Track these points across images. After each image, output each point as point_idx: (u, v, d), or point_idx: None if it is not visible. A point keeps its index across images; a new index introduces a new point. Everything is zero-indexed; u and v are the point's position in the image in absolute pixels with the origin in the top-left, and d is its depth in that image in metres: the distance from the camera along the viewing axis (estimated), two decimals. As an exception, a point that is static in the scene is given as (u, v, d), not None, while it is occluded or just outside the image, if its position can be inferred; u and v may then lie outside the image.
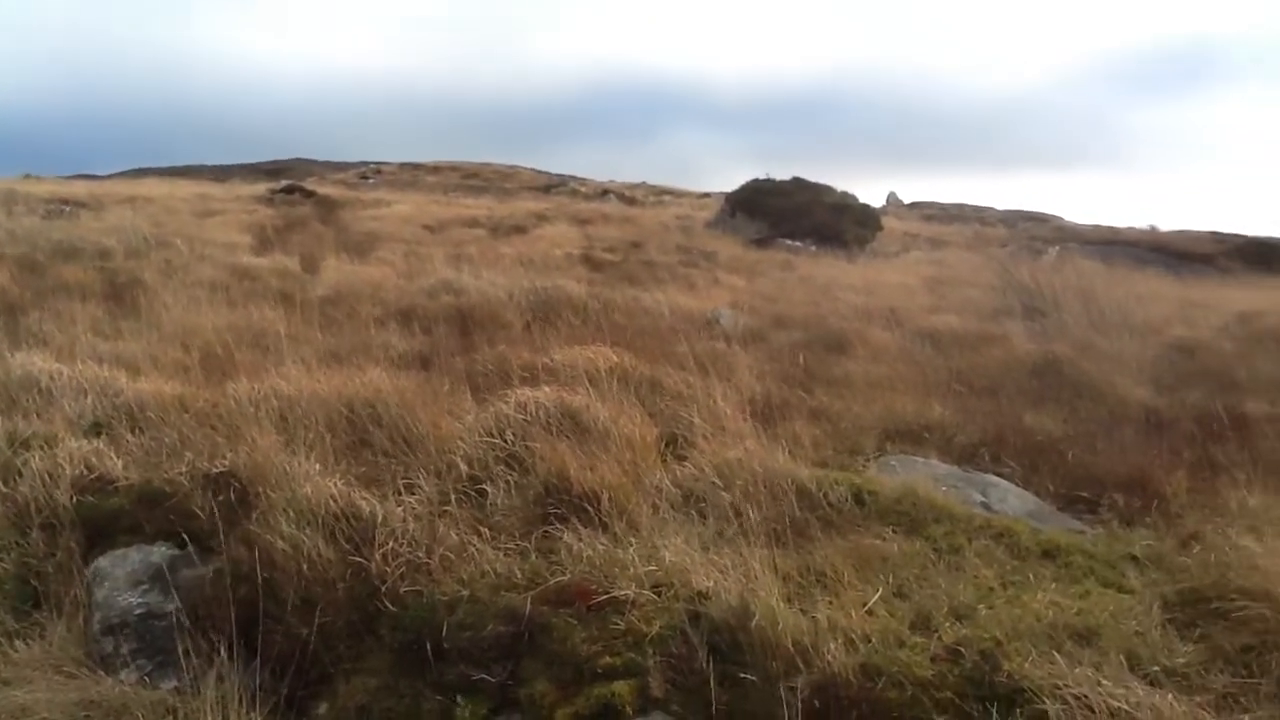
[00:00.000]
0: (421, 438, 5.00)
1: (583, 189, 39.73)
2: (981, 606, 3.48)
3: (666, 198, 39.31)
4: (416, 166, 44.85)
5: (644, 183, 44.76)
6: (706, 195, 38.25)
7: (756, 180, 25.85)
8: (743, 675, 3.09)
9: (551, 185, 41.40)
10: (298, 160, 47.58)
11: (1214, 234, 24.43)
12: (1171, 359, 7.90)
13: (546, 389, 5.30)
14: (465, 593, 3.63)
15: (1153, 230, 26.25)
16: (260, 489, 4.32)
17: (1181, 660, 3.20)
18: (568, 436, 4.78)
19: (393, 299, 10.43)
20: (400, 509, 4.14)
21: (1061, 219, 36.33)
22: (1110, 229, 27.38)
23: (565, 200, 32.76)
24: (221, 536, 4.04)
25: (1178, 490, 4.68)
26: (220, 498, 4.31)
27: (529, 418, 4.97)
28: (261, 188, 27.70)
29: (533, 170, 47.16)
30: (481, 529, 4.10)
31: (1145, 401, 6.33)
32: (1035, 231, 29.14)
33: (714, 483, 4.42)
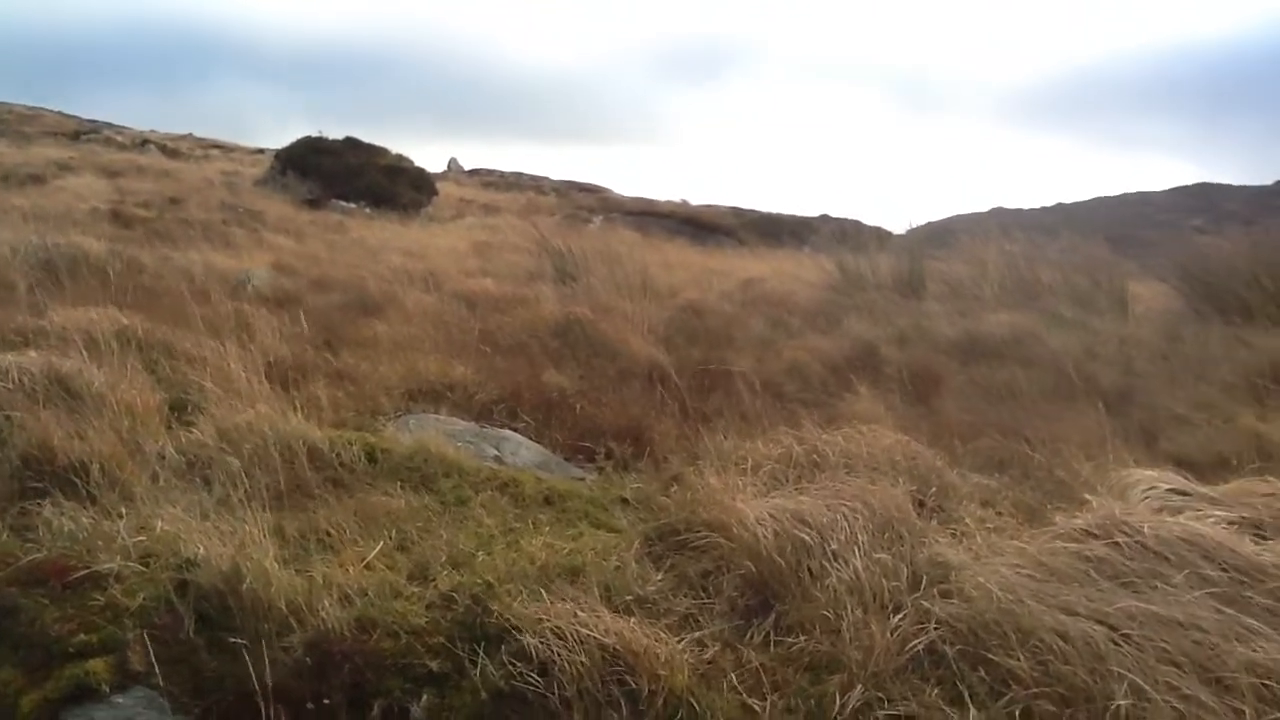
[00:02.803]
0: None
1: (119, 138, 36.13)
2: (480, 554, 3.65)
3: (215, 152, 36.77)
4: (-96, 102, 38.59)
5: (190, 135, 41.53)
6: (260, 152, 36.21)
7: (309, 138, 25.03)
8: (233, 640, 3.03)
9: (82, 132, 37.21)
10: None
11: (734, 209, 27.02)
12: (682, 320, 8.68)
13: (34, 354, 4.85)
14: (-87, 583, 3.26)
15: (684, 204, 28.56)
16: None
17: (652, 589, 3.54)
18: (57, 404, 4.41)
19: None
20: None
21: (609, 190, 38.30)
22: (648, 201, 29.40)
23: (97, 149, 29.67)
24: None
25: (665, 437, 5.19)
26: None
27: (11, 385, 4.52)
28: None
29: (59, 114, 42.13)
30: (-58, 511, 3.69)
31: (652, 358, 6.91)
32: (583, 201, 30.61)
33: (221, 448, 4.27)
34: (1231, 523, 3.61)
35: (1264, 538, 3.54)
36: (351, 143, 24.29)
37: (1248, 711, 2.76)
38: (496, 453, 4.91)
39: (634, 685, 2.91)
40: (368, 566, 3.45)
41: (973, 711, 2.86)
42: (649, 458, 4.98)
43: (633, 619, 3.21)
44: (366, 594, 3.27)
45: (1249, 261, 8.79)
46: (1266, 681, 2.84)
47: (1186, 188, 58.97)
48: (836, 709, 2.92)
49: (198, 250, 11.79)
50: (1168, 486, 3.93)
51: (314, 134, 24.85)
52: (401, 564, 3.53)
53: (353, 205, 22.04)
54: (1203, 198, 54.37)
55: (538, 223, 19.47)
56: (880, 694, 2.97)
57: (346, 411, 5.28)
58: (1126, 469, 4.19)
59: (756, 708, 2.95)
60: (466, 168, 43.89)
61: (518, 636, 3.05)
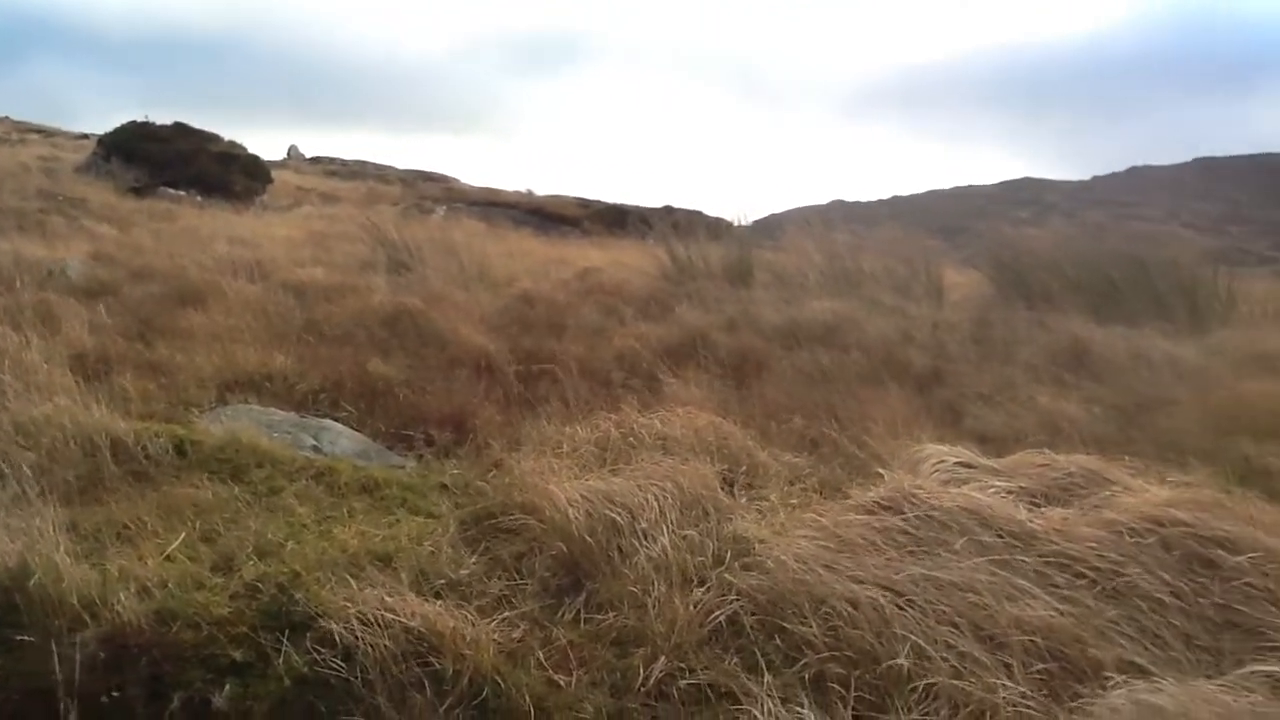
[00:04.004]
0: None
1: (-80, 119, 33.90)
2: (290, 543, 3.62)
3: (34, 136, 34.72)
4: None
5: (7, 118, 39.17)
6: (85, 137, 34.34)
7: (136, 123, 23.92)
8: (20, 637, 2.95)
9: (-121, 113, 34.77)
10: None
11: (580, 200, 27.01)
12: (516, 309, 8.69)
13: None
14: None
15: (530, 194, 28.41)
16: None
17: (466, 572, 3.58)
18: None
19: None
20: None
21: (456, 180, 37.74)
22: (494, 191, 29.15)
23: (-104, 132, 27.78)
24: None
25: (489, 424, 5.21)
26: None
27: None
28: None
29: None
30: None
31: (482, 347, 6.91)
32: (429, 191, 30.14)
33: (17, 442, 4.10)
34: (1010, 492, 3.86)
35: (1037, 505, 3.80)
36: (181, 128, 23.34)
37: (1015, 664, 2.97)
38: (315, 442, 4.85)
39: (438, 666, 2.95)
40: (169, 559, 3.39)
41: (768, 678, 2.98)
42: (471, 444, 5.00)
43: (441, 602, 3.24)
44: (166, 586, 3.21)
45: (1053, 250, 9.36)
46: (1033, 637, 3.07)
47: (1013, 181, 62.12)
48: (640, 681, 3.02)
49: (8, 240, 11.21)
50: (956, 460, 4.17)
51: (141, 119, 23.78)
52: (205, 555, 3.47)
53: (183, 193, 21.19)
54: (1028, 190, 57.31)
55: (377, 212, 19.11)
56: (682, 664, 3.07)
57: (158, 404, 5.13)
58: (920, 444, 4.42)
59: (562, 683, 3.03)
60: (308, 155, 42.65)
61: (323, 623, 3.05)
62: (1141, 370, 6.75)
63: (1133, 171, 65.44)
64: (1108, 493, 3.84)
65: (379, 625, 3.00)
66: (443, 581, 3.48)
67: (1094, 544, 3.42)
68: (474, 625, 3.14)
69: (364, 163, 43.28)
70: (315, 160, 41.94)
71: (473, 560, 3.67)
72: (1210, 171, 61.04)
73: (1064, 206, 47.23)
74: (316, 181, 32.56)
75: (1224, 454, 4.83)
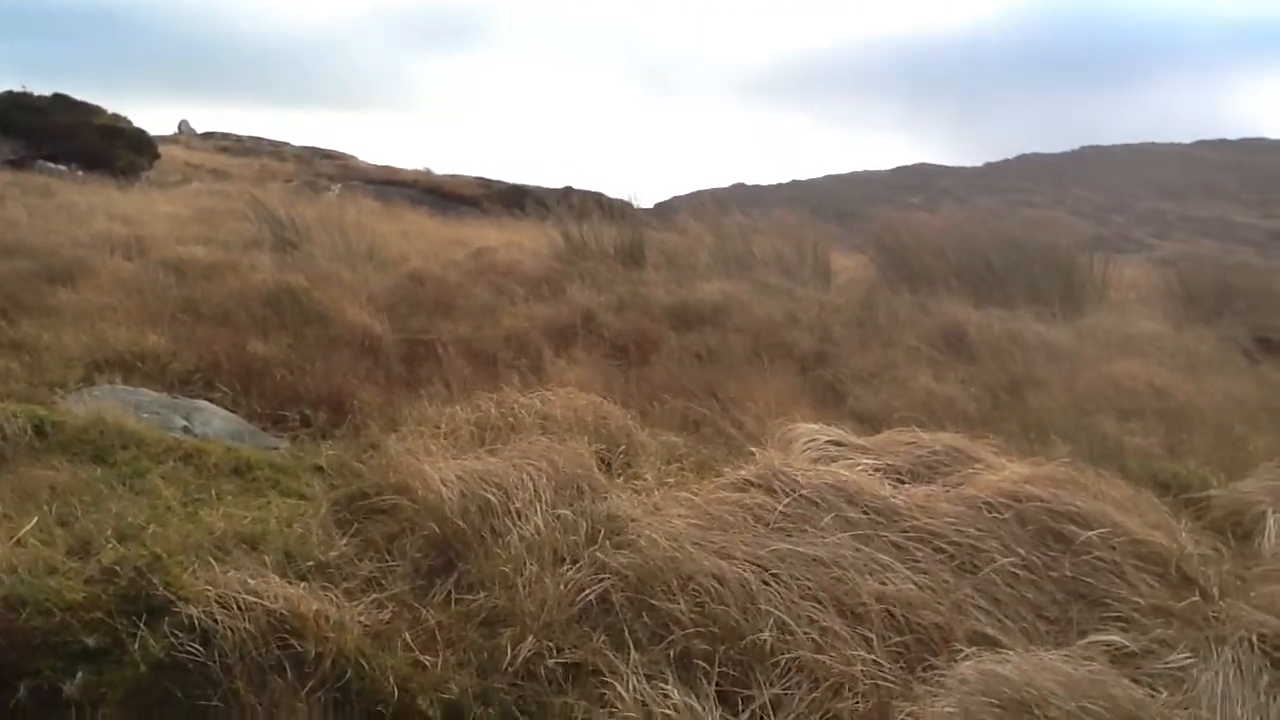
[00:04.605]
0: None
1: None
2: (152, 526, 3.52)
3: (-102, 106, 33.09)
4: None
5: None
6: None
7: (12, 93, 22.99)
8: None
9: None
10: None
11: (480, 179, 26.83)
12: (406, 289, 8.59)
13: None
14: None
15: (428, 173, 28.10)
16: None
17: (335, 554, 3.52)
18: None
19: None
20: None
21: (354, 158, 37.09)
22: (393, 169, 28.75)
23: None
24: None
25: (367, 404, 5.15)
26: None
27: None
28: None
29: None
30: None
31: (367, 327, 6.82)
32: (324, 169, 29.57)
33: None
34: (877, 470, 3.95)
35: (902, 482, 3.90)
36: (62, 100, 22.50)
37: (874, 637, 3.05)
38: (186, 423, 4.73)
39: (300, 649, 2.91)
40: (20, 543, 3.27)
41: (634, 655, 3.00)
42: (349, 425, 4.94)
43: (307, 585, 3.19)
44: (16, 571, 3.09)
45: (936, 235, 9.59)
46: (892, 609, 3.16)
47: (908, 167, 63.41)
48: (508, 660, 3.01)
49: None
50: (827, 439, 4.25)
51: (18, 89, 22.85)
52: (61, 539, 3.36)
53: (63, 167, 20.43)
54: (921, 176, 58.56)
55: (268, 190, 18.69)
56: (551, 643, 3.08)
57: (19, 383, 4.95)
58: (794, 423, 4.49)
59: (428, 664, 3.01)
60: (200, 131, 41.46)
61: (182, 608, 2.98)
62: (1015, 352, 6.96)
63: (1022, 159, 67.44)
64: (970, 470, 3.96)
65: (240, 609, 2.94)
66: (311, 564, 3.42)
67: (953, 519, 3.53)
68: (340, 607, 3.10)
69: (258, 139, 42.23)
70: (207, 136, 40.82)
71: (343, 542, 3.61)
72: (1094, 160, 63.20)
73: (956, 192, 48.42)
74: (207, 157, 31.68)
75: (1085, 432, 5.02)
